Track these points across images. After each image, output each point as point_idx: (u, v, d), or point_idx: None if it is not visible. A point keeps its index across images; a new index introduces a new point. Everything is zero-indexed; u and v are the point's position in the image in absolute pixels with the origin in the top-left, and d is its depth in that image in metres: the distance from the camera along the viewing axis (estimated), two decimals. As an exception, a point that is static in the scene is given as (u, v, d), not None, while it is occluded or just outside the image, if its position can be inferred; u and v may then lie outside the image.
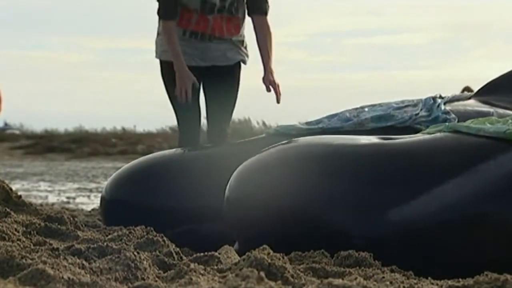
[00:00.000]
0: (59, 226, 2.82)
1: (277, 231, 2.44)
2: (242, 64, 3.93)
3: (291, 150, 2.60)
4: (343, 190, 2.41)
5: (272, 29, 3.87)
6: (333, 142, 2.60)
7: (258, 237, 2.43)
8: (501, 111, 3.29)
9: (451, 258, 2.34)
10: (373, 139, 2.60)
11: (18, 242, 2.47)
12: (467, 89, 9.08)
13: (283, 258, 2.17)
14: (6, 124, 26.85)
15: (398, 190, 2.39)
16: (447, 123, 2.69)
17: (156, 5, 3.78)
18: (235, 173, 2.61)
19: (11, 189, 3.42)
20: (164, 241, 2.43)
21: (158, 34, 3.86)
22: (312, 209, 2.40)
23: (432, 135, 2.62)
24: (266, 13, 3.85)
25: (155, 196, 3.09)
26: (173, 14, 3.73)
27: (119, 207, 3.17)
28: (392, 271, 2.18)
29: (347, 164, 2.47)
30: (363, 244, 2.30)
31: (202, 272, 1.94)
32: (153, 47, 3.87)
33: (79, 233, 2.81)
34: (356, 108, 3.38)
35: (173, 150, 3.45)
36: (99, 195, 3.53)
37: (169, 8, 3.72)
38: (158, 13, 3.77)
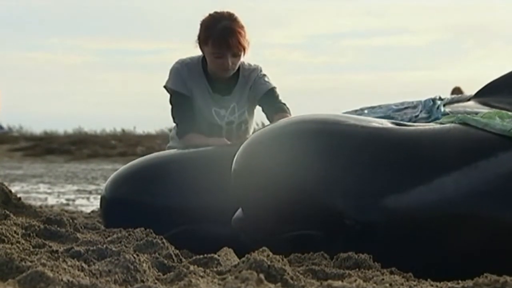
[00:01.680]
0: (58, 228, 2.82)
1: (283, 203, 2.45)
2: None
3: (299, 124, 2.62)
4: (346, 166, 2.43)
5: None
6: (342, 119, 2.63)
7: (264, 208, 2.48)
8: (500, 112, 3.29)
9: (448, 253, 2.34)
10: (384, 123, 2.61)
11: (18, 244, 2.46)
12: (457, 89, 9.03)
13: (282, 260, 2.17)
14: (0, 127, 26.75)
15: (392, 176, 2.40)
16: (459, 115, 2.68)
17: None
18: (242, 146, 2.63)
19: (10, 191, 3.42)
20: (163, 243, 2.43)
21: (169, 140, 3.88)
22: (318, 182, 2.42)
23: (440, 125, 2.62)
24: (286, 112, 3.57)
25: (154, 195, 3.09)
26: (191, 128, 3.64)
27: (118, 207, 3.17)
28: (391, 273, 2.18)
29: (353, 141, 2.48)
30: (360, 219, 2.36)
31: (201, 274, 1.94)
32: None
33: (79, 235, 2.81)
34: (356, 110, 3.38)
35: (173, 150, 3.46)
36: (99, 197, 3.53)
37: (188, 125, 3.64)
38: (178, 134, 3.69)
